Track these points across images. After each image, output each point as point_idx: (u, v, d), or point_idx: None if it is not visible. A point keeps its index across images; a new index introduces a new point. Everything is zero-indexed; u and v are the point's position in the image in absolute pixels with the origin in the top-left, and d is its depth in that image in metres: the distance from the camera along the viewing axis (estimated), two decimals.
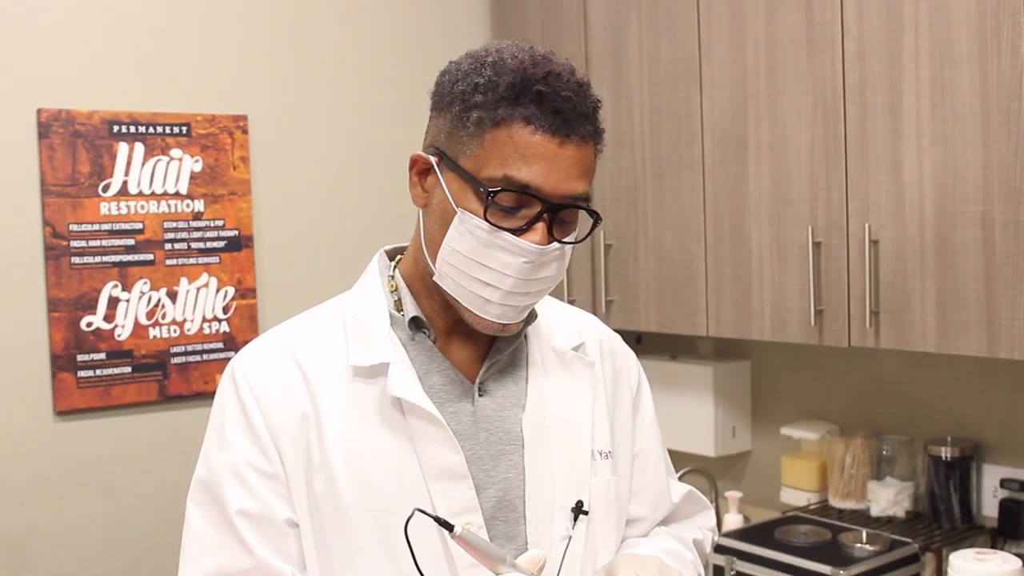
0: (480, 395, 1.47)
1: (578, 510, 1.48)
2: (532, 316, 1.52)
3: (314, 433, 1.41)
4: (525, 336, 1.53)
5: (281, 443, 1.41)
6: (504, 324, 1.41)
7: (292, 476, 1.41)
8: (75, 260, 2.82)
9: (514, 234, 1.34)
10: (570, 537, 1.47)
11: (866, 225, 2.45)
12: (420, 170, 1.43)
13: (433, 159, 1.40)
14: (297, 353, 1.45)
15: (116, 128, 2.88)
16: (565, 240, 1.38)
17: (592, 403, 1.55)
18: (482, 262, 1.35)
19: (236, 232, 3.06)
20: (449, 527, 1.13)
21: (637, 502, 1.62)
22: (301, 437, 1.41)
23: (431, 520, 1.33)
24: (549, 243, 1.35)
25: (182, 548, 1.44)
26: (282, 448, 1.41)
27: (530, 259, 1.35)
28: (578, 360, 1.56)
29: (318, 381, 1.43)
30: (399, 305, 1.48)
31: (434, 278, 1.41)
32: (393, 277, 1.50)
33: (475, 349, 1.49)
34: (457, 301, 1.40)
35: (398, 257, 1.53)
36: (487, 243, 1.34)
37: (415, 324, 1.46)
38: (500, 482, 1.45)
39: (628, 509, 1.61)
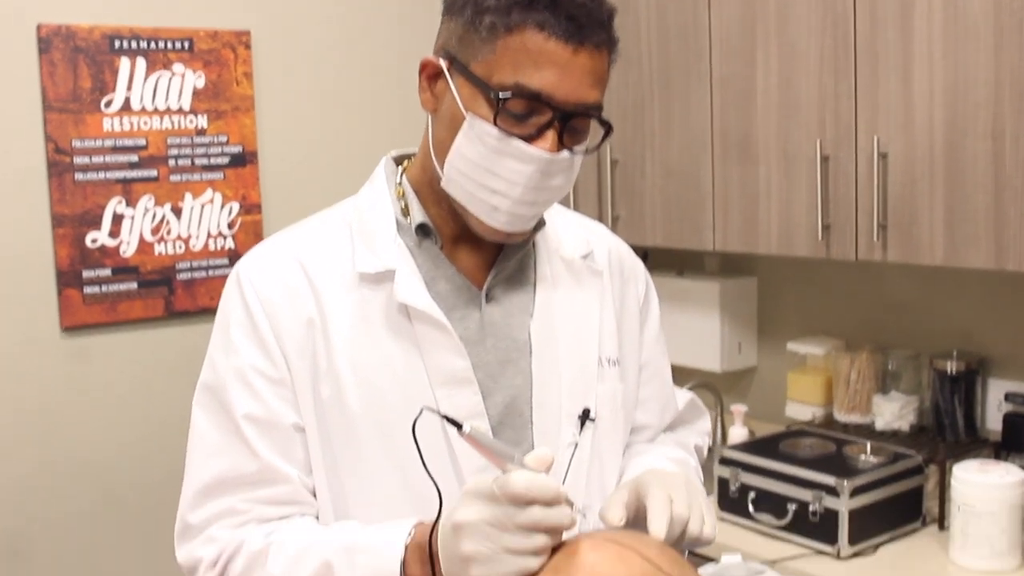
0: (487, 302, 1.46)
1: (584, 417, 1.49)
2: (540, 224, 1.51)
3: (320, 339, 1.40)
4: (533, 244, 1.52)
5: (287, 348, 1.40)
6: (510, 232, 1.40)
7: (298, 381, 1.40)
8: (79, 176, 2.81)
9: (524, 141, 1.32)
10: (576, 444, 1.48)
11: (875, 138, 2.43)
12: (430, 75, 1.40)
13: (444, 64, 1.37)
14: (303, 258, 1.44)
15: (117, 43, 2.85)
16: (576, 149, 1.37)
17: (600, 311, 1.54)
18: (491, 169, 1.34)
19: (240, 148, 3.04)
20: (458, 425, 1.13)
21: (643, 410, 1.63)
22: (307, 343, 1.40)
23: (437, 424, 1.34)
24: (560, 151, 1.34)
25: (188, 452, 1.44)
26: (288, 353, 1.40)
27: (539, 167, 1.33)
28: (586, 268, 1.55)
29: (324, 287, 1.42)
30: (406, 211, 1.46)
31: (442, 184, 1.40)
32: (400, 183, 1.49)
33: (482, 256, 1.48)
34: (464, 208, 1.39)
35: (405, 163, 1.52)
36: (496, 149, 1.33)
37: (422, 231, 1.45)
38: (507, 389, 1.45)
39: (634, 417, 1.61)
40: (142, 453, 2.94)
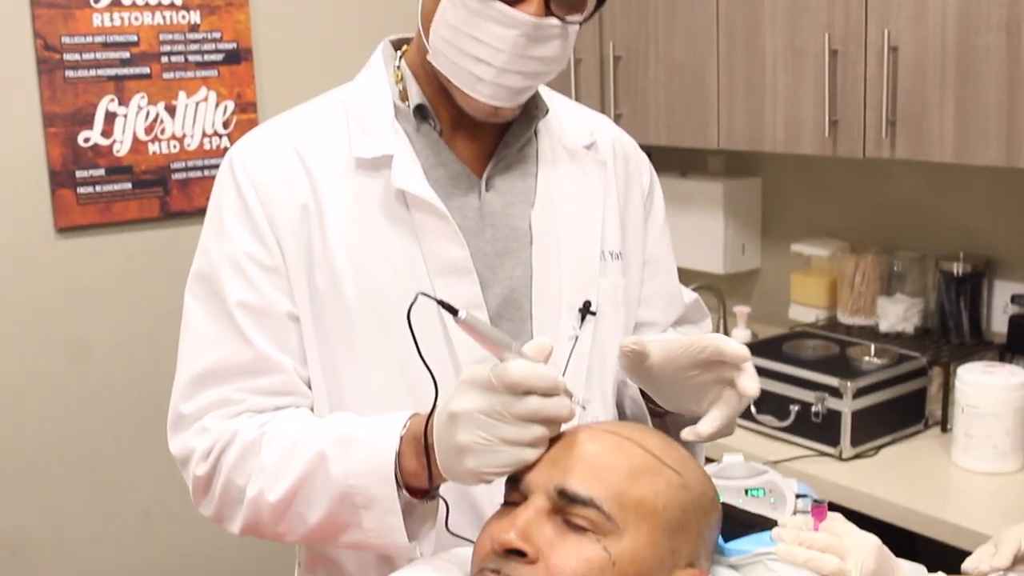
0: (487, 190, 1.42)
1: (585, 310, 1.45)
2: (542, 111, 1.47)
3: (315, 226, 1.37)
4: (536, 132, 1.48)
5: (281, 235, 1.37)
6: (497, 107, 1.35)
7: (292, 269, 1.37)
8: (69, 74, 2.75)
9: (507, 3, 1.28)
10: (576, 337, 1.44)
11: (885, 31, 2.36)
12: None
13: None
14: (298, 143, 1.40)
15: None
16: (568, 19, 1.32)
17: (603, 202, 1.50)
18: (473, 35, 1.30)
19: (234, 44, 2.97)
20: (453, 311, 1.09)
21: (648, 307, 1.59)
22: (302, 229, 1.37)
23: (434, 313, 1.31)
24: (545, 16, 1.29)
25: (180, 343, 1.41)
26: (282, 240, 1.37)
27: (523, 32, 1.29)
28: (590, 158, 1.51)
29: (319, 172, 1.38)
30: (404, 95, 1.42)
31: (428, 57, 1.35)
32: (399, 67, 1.44)
33: (483, 143, 1.44)
34: (449, 82, 1.35)
35: (404, 47, 1.47)
36: (478, 13, 1.29)
37: (420, 113, 1.41)
38: (506, 280, 1.41)
39: (638, 313, 1.58)
40: (137, 352, 2.91)
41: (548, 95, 1.51)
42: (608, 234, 1.51)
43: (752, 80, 2.71)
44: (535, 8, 1.28)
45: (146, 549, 3.01)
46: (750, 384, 1.24)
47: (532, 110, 1.46)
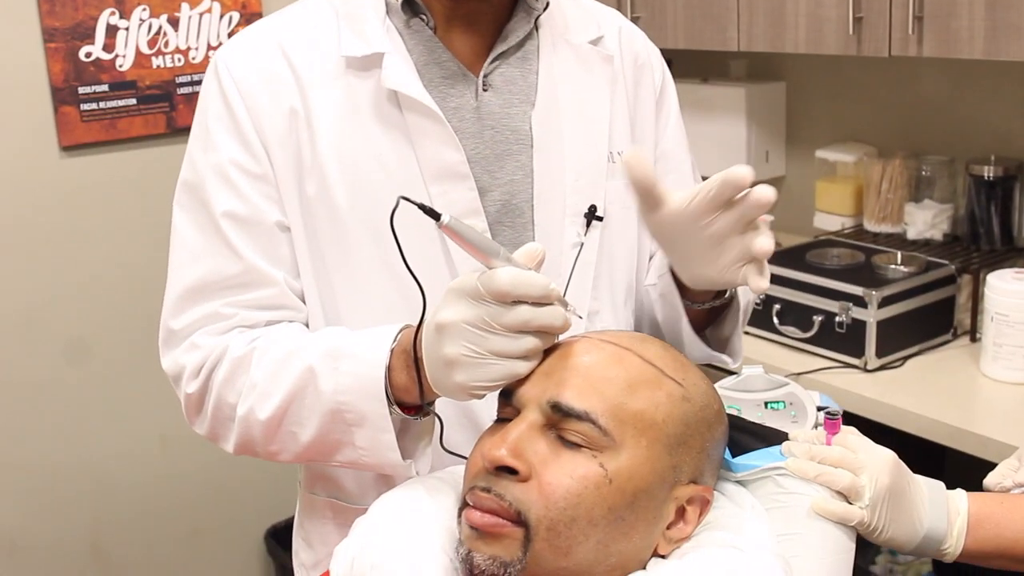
0: (484, 89, 1.35)
1: (591, 215, 1.38)
2: (542, 3, 1.39)
3: (304, 131, 1.30)
4: (536, 26, 1.40)
5: (269, 141, 1.30)
6: None
7: (281, 177, 1.31)
8: None
9: None
10: (582, 244, 1.37)
11: None
12: None
13: None
14: (285, 44, 1.33)
15: None
16: None
17: (610, 100, 1.42)
18: None
19: None
20: (435, 216, 1.02)
21: None
22: (290, 135, 1.30)
23: (427, 217, 1.25)
24: None
25: (170, 257, 1.36)
26: (270, 146, 1.31)
27: None
28: (595, 53, 1.43)
29: (307, 74, 1.31)
30: None
31: None
32: None
33: (479, 39, 1.36)
34: None
35: None
36: None
37: (410, 8, 1.33)
38: (506, 184, 1.34)
39: None
40: (145, 270, 2.86)
41: None
42: (616, 134, 1.43)
43: None
44: None
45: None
46: (764, 241, 1.14)
47: (532, 2, 1.37)
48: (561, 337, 1.09)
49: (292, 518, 3.12)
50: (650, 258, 1.51)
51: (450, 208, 1.14)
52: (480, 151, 1.34)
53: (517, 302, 1.03)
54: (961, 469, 2.12)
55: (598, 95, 1.42)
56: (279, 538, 3.12)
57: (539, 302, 1.04)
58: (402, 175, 1.30)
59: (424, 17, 1.34)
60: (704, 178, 1.14)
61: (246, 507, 3.15)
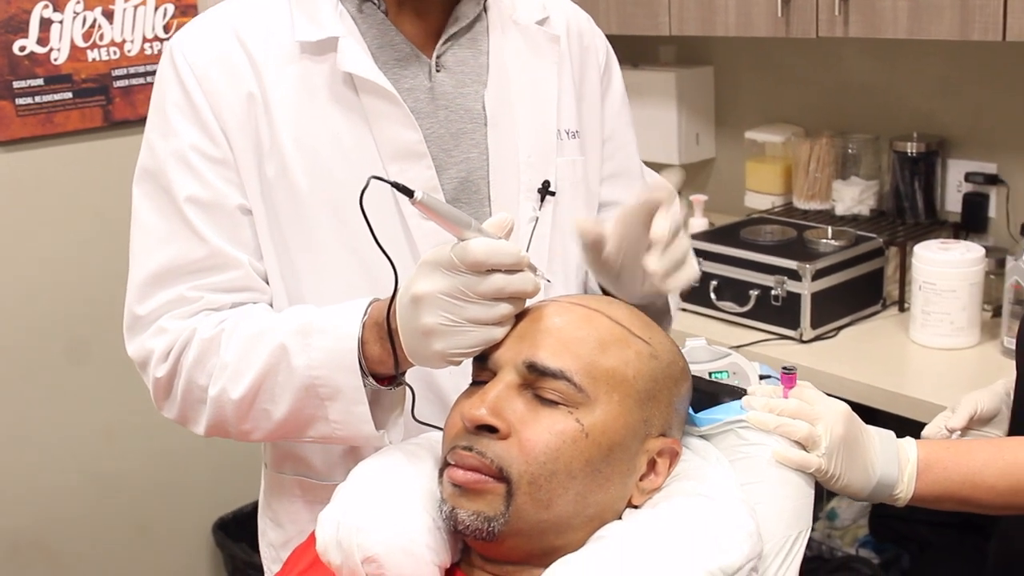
0: (437, 70, 1.39)
1: (544, 191, 1.43)
2: None
3: (262, 114, 1.33)
4: (485, 9, 1.44)
5: (228, 126, 1.33)
6: None
7: (241, 160, 1.33)
8: None
9: None
10: (537, 219, 1.42)
11: None
12: None
13: None
14: (239, 29, 1.35)
15: None
16: None
17: (558, 79, 1.47)
18: None
19: None
20: (408, 192, 1.07)
21: (610, 185, 1.56)
22: (249, 119, 1.33)
23: (388, 197, 1.29)
24: None
25: (132, 243, 1.37)
26: (229, 131, 1.33)
27: None
28: (542, 34, 1.47)
29: (263, 59, 1.34)
30: None
31: None
32: None
33: (430, 22, 1.39)
34: None
35: None
36: None
37: None
38: (462, 162, 1.38)
39: (600, 193, 1.55)
40: (91, 265, 2.86)
41: None
42: (564, 112, 1.47)
43: None
44: None
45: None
46: (659, 224, 1.15)
47: None
48: (530, 301, 1.14)
49: (241, 508, 3.17)
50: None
51: (408, 186, 1.18)
52: (435, 130, 1.37)
53: (491, 271, 1.08)
54: (895, 431, 2.20)
55: (546, 74, 1.47)
56: (227, 530, 3.12)
57: (511, 269, 1.09)
58: (360, 156, 1.33)
59: (376, 1, 1.37)
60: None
61: (193, 500, 3.14)
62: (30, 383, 2.85)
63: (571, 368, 1.06)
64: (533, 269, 1.12)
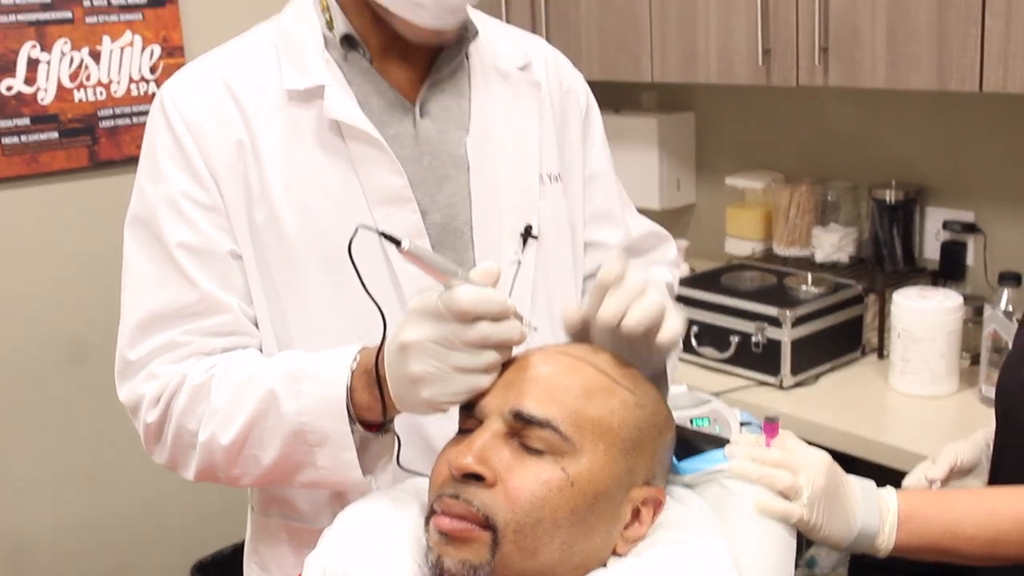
0: (421, 116, 1.41)
1: (527, 234, 1.45)
2: (472, 34, 1.45)
3: (251, 161, 1.34)
4: (467, 55, 1.46)
5: (217, 172, 1.34)
6: (439, 30, 1.34)
7: (231, 206, 1.35)
8: None
9: None
10: (519, 262, 1.44)
11: None
12: None
13: None
14: (228, 78, 1.37)
15: None
16: None
17: (539, 124, 1.49)
18: None
19: None
20: (396, 242, 1.08)
21: (593, 226, 1.58)
22: (238, 166, 1.35)
23: (376, 244, 1.29)
24: None
25: (123, 288, 1.39)
26: (219, 177, 1.34)
27: None
28: (523, 79, 1.50)
29: (252, 107, 1.36)
30: (331, 24, 1.39)
31: None
32: None
33: (414, 69, 1.42)
34: (386, 10, 1.33)
35: None
36: None
37: (348, 42, 1.39)
38: (445, 207, 1.40)
39: (585, 234, 1.57)
40: (73, 304, 2.86)
41: (478, 17, 1.49)
42: (546, 156, 1.50)
43: (684, 10, 2.69)
44: None
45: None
46: (603, 270, 1.16)
47: (462, 32, 1.44)
48: (517, 349, 1.15)
49: (220, 551, 3.15)
50: (585, 278, 1.58)
51: (395, 231, 1.18)
52: (420, 176, 1.39)
53: (477, 319, 1.09)
54: (873, 479, 2.21)
55: (528, 120, 1.49)
56: (206, 572, 3.10)
57: (497, 317, 1.10)
58: (347, 201, 1.35)
59: (361, 50, 1.39)
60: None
61: (171, 542, 3.13)
62: (9, 424, 2.83)
63: (557, 417, 1.07)
64: (519, 317, 1.13)
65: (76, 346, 2.84)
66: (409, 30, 1.34)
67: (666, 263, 1.70)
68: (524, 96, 1.49)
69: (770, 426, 1.21)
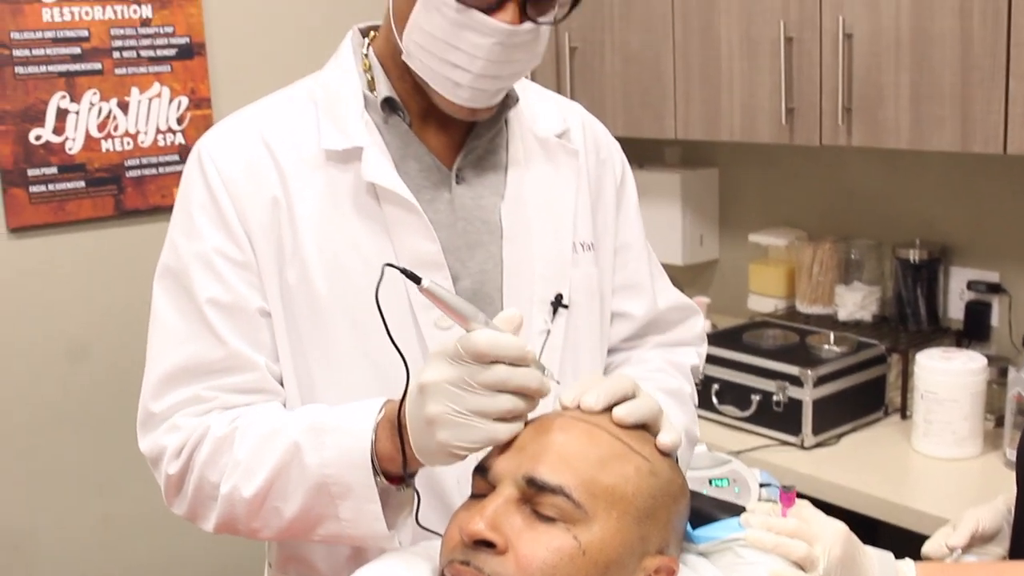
0: (458, 183, 1.41)
1: (557, 303, 1.44)
2: (513, 100, 1.45)
3: (285, 220, 1.35)
4: (506, 122, 1.46)
5: (251, 229, 1.35)
6: (475, 108, 1.34)
7: (263, 264, 1.35)
8: (19, 70, 2.70)
9: (484, 13, 1.25)
10: (549, 331, 1.43)
11: (840, 18, 2.37)
12: None
13: None
14: (266, 135, 1.38)
15: None
16: (541, 20, 1.30)
17: (575, 193, 1.49)
18: (451, 42, 1.27)
19: (187, 39, 2.93)
20: (416, 279, 1.08)
21: (621, 297, 1.57)
22: (272, 224, 1.35)
23: (404, 302, 1.32)
24: (521, 23, 1.27)
25: (150, 340, 1.39)
26: (252, 235, 1.35)
27: (501, 40, 1.27)
28: (561, 148, 1.49)
29: (289, 165, 1.36)
30: (372, 85, 1.40)
31: (402, 57, 1.33)
32: (367, 55, 1.42)
33: (453, 134, 1.42)
34: (426, 83, 1.33)
35: (372, 34, 1.45)
36: (455, 22, 1.26)
37: (389, 105, 1.39)
38: (477, 273, 1.40)
39: (612, 304, 1.56)
40: (95, 352, 2.87)
41: (519, 83, 1.49)
42: (580, 225, 1.49)
43: (708, 69, 2.71)
44: (511, 16, 1.26)
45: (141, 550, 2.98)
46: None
47: (503, 100, 1.43)
48: (541, 404, 1.14)
49: None
50: (609, 352, 1.58)
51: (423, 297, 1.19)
52: (453, 241, 1.39)
53: (495, 362, 1.09)
54: (896, 544, 2.18)
55: (563, 188, 1.49)
56: None
57: (516, 363, 1.09)
58: (379, 264, 1.33)
59: (401, 113, 1.40)
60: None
61: None
62: (30, 473, 2.84)
63: (570, 484, 1.07)
64: (541, 368, 1.12)
65: (104, 392, 2.85)
66: (446, 105, 1.34)
67: (692, 341, 1.67)
68: (561, 164, 1.49)
69: (786, 495, 1.20)
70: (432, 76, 1.31)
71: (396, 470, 1.21)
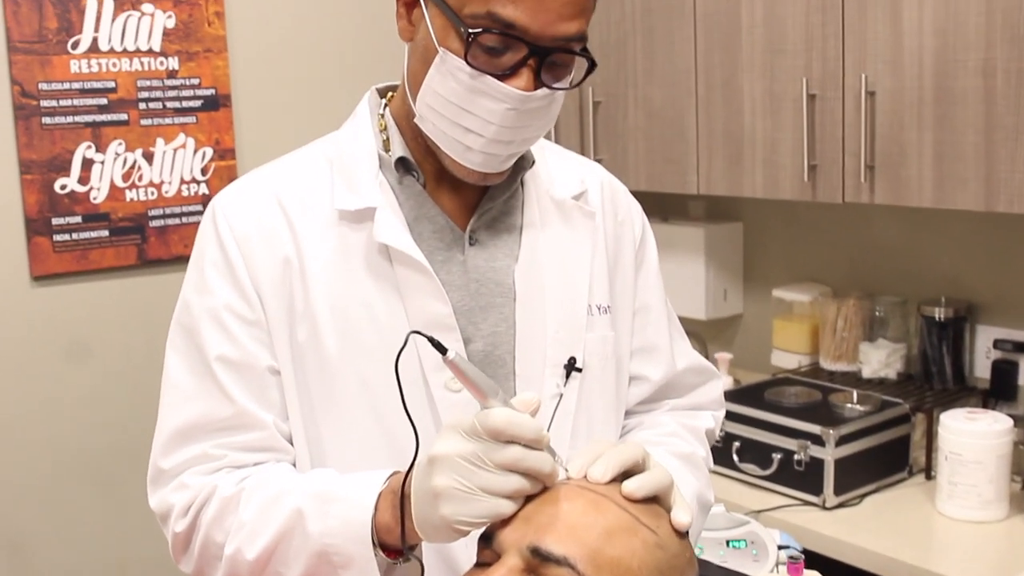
0: (471, 244, 1.40)
1: (571, 367, 1.43)
2: (528, 163, 1.45)
3: (297, 279, 1.35)
4: (522, 183, 1.46)
5: (263, 288, 1.35)
6: (486, 173, 1.34)
7: (274, 323, 1.35)
8: (46, 120, 2.73)
9: (497, 79, 1.25)
10: (561, 395, 1.42)
11: (863, 76, 2.36)
12: (407, 1, 1.33)
13: None
14: (280, 194, 1.38)
15: None
16: (556, 86, 1.29)
17: (591, 256, 1.48)
18: (464, 107, 1.27)
19: (213, 91, 2.95)
20: (442, 349, 1.07)
21: (639, 360, 1.56)
22: (284, 283, 1.35)
23: (417, 372, 1.31)
24: (536, 89, 1.27)
25: (161, 395, 1.39)
26: (263, 293, 1.35)
27: (514, 106, 1.26)
28: (578, 210, 1.48)
29: (302, 225, 1.36)
30: (387, 146, 1.40)
31: (415, 120, 1.34)
32: (383, 116, 1.42)
33: (467, 196, 1.41)
34: (437, 147, 1.33)
35: (389, 95, 1.45)
36: (469, 87, 1.26)
37: (403, 166, 1.39)
38: (489, 335, 1.39)
39: (629, 367, 1.55)
40: (114, 403, 2.88)
41: (538, 144, 1.48)
42: (596, 288, 1.48)
43: (731, 126, 2.70)
44: (525, 82, 1.26)
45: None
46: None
47: (518, 162, 1.43)
48: None
49: None
50: (625, 415, 1.56)
51: (436, 359, 1.17)
52: (465, 303, 1.38)
53: (510, 441, 1.07)
54: None
55: (579, 250, 1.47)
56: None
57: (530, 445, 1.08)
58: (390, 324, 1.34)
59: (416, 174, 1.39)
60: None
61: None
62: (49, 518, 2.84)
63: (575, 555, 1.04)
64: (552, 452, 1.11)
65: (123, 440, 2.86)
66: (457, 169, 1.34)
67: (709, 405, 1.65)
68: (577, 226, 1.48)
69: (794, 566, 1.18)
70: (444, 140, 1.31)
71: (394, 542, 1.19)
